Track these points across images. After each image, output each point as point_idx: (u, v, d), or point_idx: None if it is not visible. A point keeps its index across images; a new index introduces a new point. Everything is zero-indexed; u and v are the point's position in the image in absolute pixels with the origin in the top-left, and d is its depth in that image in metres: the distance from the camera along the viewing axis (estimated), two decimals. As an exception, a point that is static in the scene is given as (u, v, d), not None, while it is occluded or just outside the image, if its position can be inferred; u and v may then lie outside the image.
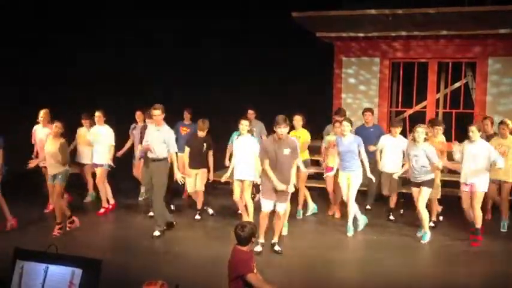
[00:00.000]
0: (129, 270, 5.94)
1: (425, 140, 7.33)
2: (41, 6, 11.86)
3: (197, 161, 8.64)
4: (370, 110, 9.61)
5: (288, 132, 7.06)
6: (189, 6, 12.37)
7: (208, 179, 8.87)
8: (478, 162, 7.30)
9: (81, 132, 9.64)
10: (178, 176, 7.76)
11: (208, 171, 8.75)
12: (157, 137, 7.61)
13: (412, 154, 7.41)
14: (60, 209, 7.68)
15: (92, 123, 9.31)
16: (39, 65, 11.82)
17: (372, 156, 8.50)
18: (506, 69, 11.64)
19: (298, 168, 7.52)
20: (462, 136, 10.26)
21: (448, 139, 10.76)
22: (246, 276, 4.50)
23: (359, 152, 7.85)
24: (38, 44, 11.83)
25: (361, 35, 12.22)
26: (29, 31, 11.67)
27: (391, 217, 8.73)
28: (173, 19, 12.43)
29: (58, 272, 3.17)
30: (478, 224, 7.40)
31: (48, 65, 11.88)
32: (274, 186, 6.68)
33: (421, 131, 7.27)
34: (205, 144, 8.62)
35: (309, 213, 8.91)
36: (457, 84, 12.63)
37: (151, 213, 8.48)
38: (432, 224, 8.03)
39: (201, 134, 8.61)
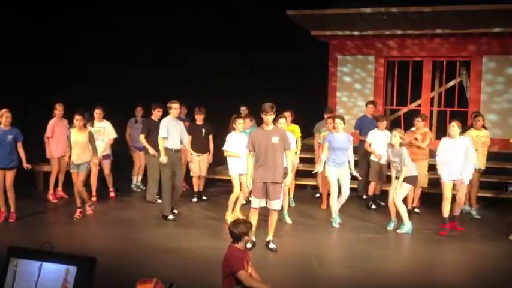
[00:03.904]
0: (124, 268, 5.93)
1: (401, 144, 7.77)
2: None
3: (198, 147, 9.22)
4: (373, 102, 10.44)
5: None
6: (185, 6, 12.35)
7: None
8: (461, 156, 7.68)
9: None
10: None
11: (209, 154, 9.63)
12: (180, 129, 8.26)
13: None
14: (80, 195, 8.25)
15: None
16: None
17: (362, 145, 9.51)
18: (500, 67, 11.70)
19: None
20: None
21: (442, 137, 10.83)
22: (236, 273, 4.51)
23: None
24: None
25: (356, 33, 12.24)
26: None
27: (382, 203, 9.26)
28: (168, 18, 12.41)
29: (52, 269, 3.15)
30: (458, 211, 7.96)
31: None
32: (262, 181, 6.66)
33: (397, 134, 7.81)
34: (203, 130, 9.38)
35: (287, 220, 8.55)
36: (451, 83, 12.67)
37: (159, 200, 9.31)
38: (417, 211, 8.93)
39: (199, 121, 9.37)
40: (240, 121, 8.18)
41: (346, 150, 7.98)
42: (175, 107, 8.17)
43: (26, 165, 8.00)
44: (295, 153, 8.59)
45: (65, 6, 11.87)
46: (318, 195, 10.13)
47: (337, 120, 8.08)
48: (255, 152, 6.69)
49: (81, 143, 8.13)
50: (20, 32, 11.93)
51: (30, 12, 11.97)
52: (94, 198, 9.38)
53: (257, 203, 6.78)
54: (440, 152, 7.75)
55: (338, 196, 8.08)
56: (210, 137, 9.57)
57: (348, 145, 7.98)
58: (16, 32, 11.81)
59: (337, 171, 8.04)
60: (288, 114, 8.66)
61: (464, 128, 9.11)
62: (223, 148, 8.25)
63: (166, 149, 8.18)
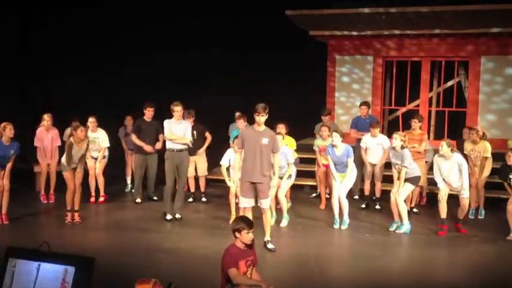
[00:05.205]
0: (122, 268, 5.93)
1: (402, 147, 7.75)
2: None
3: (192, 149, 9.11)
4: (366, 103, 10.32)
5: None
6: (181, 6, 12.34)
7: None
8: (456, 172, 7.66)
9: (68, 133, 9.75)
10: None
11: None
12: (183, 129, 8.20)
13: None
14: (79, 196, 8.14)
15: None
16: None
17: (358, 143, 9.52)
18: (498, 67, 11.70)
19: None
20: (454, 134, 10.38)
21: (441, 137, 10.86)
22: (227, 271, 4.50)
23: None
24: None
25: (355, 33, 12.24)
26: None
27: (377, 206, 9.20)
28: (163, 18, 12.40)
29: (51, 270, 3.15)
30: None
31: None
32: (249, 180, 6.69)
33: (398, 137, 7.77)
34: (195, 132, 9.24)
35: (282, 223, 8.18)
36: (449, 83, 12.67)
37: (155, 198, 9.61)
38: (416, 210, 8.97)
39: (190, 122, 9.11)
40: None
41: (346, 164, 7.98)
42: (177, 110, 8.18)
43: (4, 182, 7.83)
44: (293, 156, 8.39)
45: (65, 6, 11.89)
46: (314, 194, 10.20)
47: (334, 134, 8.03)
48: (244, 150, 6.75)
49: (81, 154, 8.16)
50: (20, 32, 11.94)
51: (30, 12, 11.98)
52: (93, 199, 9.40)
53: (245, 202, 6.80)
54: (435, 170, 7.82)
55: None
56: (207, 134, 9.63)
57: (345, 160, 7.96)
58: (16, 32, 11.82)
59: (340, 176, 8.08)
60: (281, 126, 8.53)
61: (460, 141, 9.17)
62: (221, 162, 8.34)
63: (168, 149, 8.22)
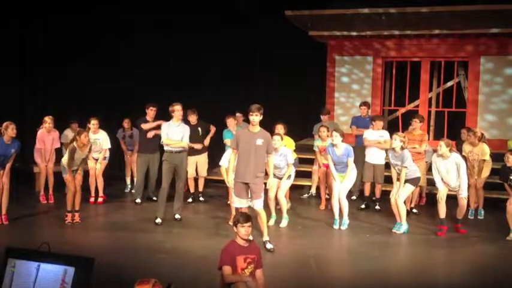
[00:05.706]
0: (122, 269, 5.92)
1: (402, 148, 7.71)
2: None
3: (195, 149, 9.10)
4: (366, 103, 10.35)
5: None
6: (182, 7, 12.34)
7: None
8: (454, 172, 7.66)
9: (70, 135, 9.76)
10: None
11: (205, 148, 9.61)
12: (179, 132, 8.14)
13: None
14: (80, 197, 8.13)
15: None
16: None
17: (360, 143, 9.43)
18: (498, 68, 11.71)
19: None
20: (454, 134, 10.38)
21: (440, 137, 10.88)
22: (221, 267, 4.52)
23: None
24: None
25: (354, 33, 12.24)
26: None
27: (377, 207, 9.23)
28: (162, 17, 12.40)
29: (50, 270, 3.16)
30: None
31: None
32: (242, 181, 6.71)
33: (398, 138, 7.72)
34: (200, 129, 9.29)
35: (282, 224, 8.19)
36: (449, 83, 12.68)
37: (154, 198, 9.41)
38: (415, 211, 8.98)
39: (193, 121, 9.16)
40: None
41: (346, 164, 7.98)
42: (178, 109, 8.14)
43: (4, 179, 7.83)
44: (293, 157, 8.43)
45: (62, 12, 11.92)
46: (306, 195, 10.29)
47: (334, 133, 8.01)
48: (238, 150, 6.76)
49: (83, 157, 8.18)
50: (20, 34, 11.95)
51: (29, 13, 12.00)
52: (92, 199, 9.41)
53: (238, 202, 6.83)
54: (433, 170, 7.82)
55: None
56: (211, 127, 9.67)
57: (345, 160, 7.96)
58: (16, 34, 11.84)
59: (340, 176, 8.09)
60: (280, 126, 8.49)
61: (460, 142, 9.17)
62: (220, 163, 8.32)
63: (167, 151, 8.17)
